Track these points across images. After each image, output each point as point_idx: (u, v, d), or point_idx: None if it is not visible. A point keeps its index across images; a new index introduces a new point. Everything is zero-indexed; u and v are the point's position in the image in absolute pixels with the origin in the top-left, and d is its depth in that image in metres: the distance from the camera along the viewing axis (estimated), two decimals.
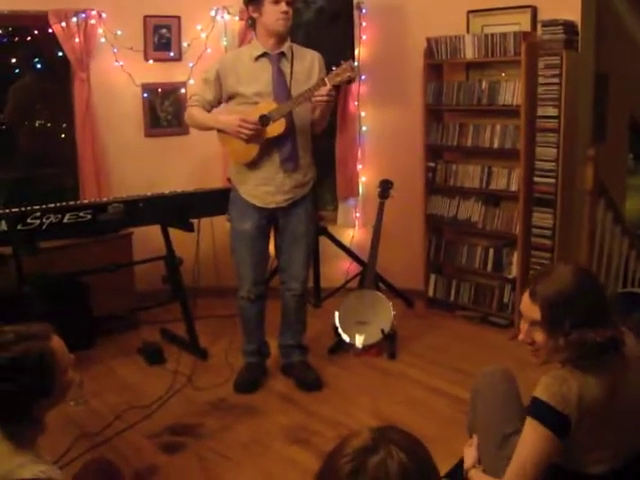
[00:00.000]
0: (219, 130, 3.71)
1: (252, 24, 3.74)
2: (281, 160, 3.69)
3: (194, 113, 3.77)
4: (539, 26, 4.53)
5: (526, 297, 2.07)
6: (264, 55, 3.65)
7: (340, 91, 4.99)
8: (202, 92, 3.76)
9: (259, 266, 3.88)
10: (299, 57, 3.71)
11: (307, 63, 3.73)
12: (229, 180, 3.89)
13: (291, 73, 3.65)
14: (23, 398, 1.85)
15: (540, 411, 1.96)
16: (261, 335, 4.03)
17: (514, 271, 4.72)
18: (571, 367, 2.00)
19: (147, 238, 4.67)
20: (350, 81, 3.60)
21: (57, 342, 1.96)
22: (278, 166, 3.69)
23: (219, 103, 3.79)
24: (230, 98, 3.72)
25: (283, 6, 3.54)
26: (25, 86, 5.49)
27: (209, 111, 3.78)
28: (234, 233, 3.85)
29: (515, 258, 4.72)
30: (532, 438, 1.98)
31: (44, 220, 3.83)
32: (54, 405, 1.97)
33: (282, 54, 3.66)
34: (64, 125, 5.61)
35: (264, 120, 3.56)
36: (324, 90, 3.50)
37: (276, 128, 3.58)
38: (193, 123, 3.86)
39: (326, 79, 3.52)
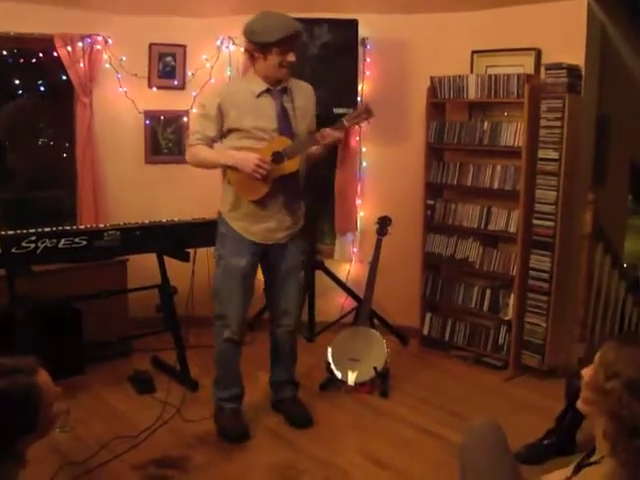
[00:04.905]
0: (229, 167, 3.58)
1: (251, 58, 3.60)
2: (286, 197, 3.61)
3: (198, 152, 3.61)
4: (543, 69, 4.54)
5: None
6: (266, 91, 3.57)
7: None
8: (203, 129, 3.59)
9: (247, 305, 3.74)
10: (298, 92, 3.66)
11: (304, 97, 3.69)
12: (219, 214, 3.74)
13: (294, 109, 3.61)
14: (5, 433, 1.81)
15: None
16: (241, 378, 3.87)
17: (510, 313, 4.70)
18: (612, 464, 1.74)
19: (142, 265, 4.64)
20: (365, 120, 3.64)
21: (43, 376, 1.91)
22: (282, 203, 3.61)
23: (221, 138, 3.65)
24: (229, 132, 3.59)
25: (291, 56, 3.47)
26: (19, 106, 5.51)
27: (212, 148, 3.67)
28: (224, 270, 3.67)
29: (511, 300, 4.69)
30: None
31: (39, 244, 3.80)
32: (37, 440, 1.93)
33: (284, 90, 3.61)
34: (66, 147, 5.61)
35: (277, 157, 3.49)
36: (339, 132, 3.53)
37: (289, 166, 3.52)
38: (198, 162, 3.67)
39: (344, 120, 3.54)
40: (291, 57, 3.47)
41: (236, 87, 3.77)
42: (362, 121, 3.62)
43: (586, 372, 1.87)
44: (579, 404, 1.90)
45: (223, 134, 3.62)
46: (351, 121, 3.57)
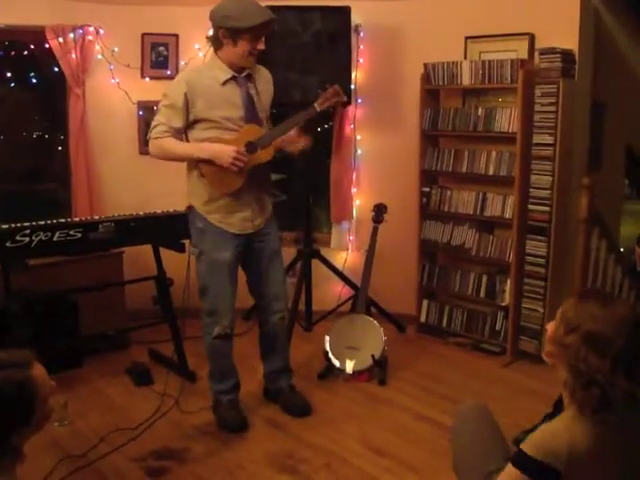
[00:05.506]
0: (201, 160, 3.46)
1: (216, 43, 3.49)
2: (259, 186, 3.58)
3: (166, 144, 3.46)
4: (536, 54, 4.53)
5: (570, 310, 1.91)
6: (232, 78, 3.47)
7: (336, 113, 5.02)
8: (168, 120, 3.42)
9: (234, 297, 3.68)
10: (259, 77, 3.59)
11: (264, 82, 3.63)
12: (190, 208, 3.61)
13: (257, 94, 3.55)
14: (1, 427, 1.80)
15: (523, 462, 1.84)
16: (235, 368, 3.85)
17: (507, 299, 4.70)
18: (573, 410, 1.86)
19: (138, 257, 4.64)
20: (338, 104, 3.62)
21: (38, 370, 1.91)
22: (255, 193, 3.57)
23: (186, 130, 3.52)
24: (194, 122, 3.47)
25: (261, 44, 3.38)
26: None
27: (180, 140, 3.52)
28: (208, 265, 3.57)
29: (508, 285, 4.69)
30: None
31: (33, 237, 3.78)
32: (33, 434, 1.93)
33: (249, 76, 3.53)
34: (59, 139, 5.59)
35: (251, 148, 3.43)
36: (311, 116, 3.52)
37: (264, 155, 3.47)
38: (165, 156, 3.51)
39: (316, 105, 3.52)
40: (261, 45, 3.39)
41: (201, 75, 3.52)
42: (334, 105, 3.59)
43: (550, 326, 1.98)
44: (543, 356, 2.03)
45: (188, 125, 3.49)
46: (322, 105, 3.54)
